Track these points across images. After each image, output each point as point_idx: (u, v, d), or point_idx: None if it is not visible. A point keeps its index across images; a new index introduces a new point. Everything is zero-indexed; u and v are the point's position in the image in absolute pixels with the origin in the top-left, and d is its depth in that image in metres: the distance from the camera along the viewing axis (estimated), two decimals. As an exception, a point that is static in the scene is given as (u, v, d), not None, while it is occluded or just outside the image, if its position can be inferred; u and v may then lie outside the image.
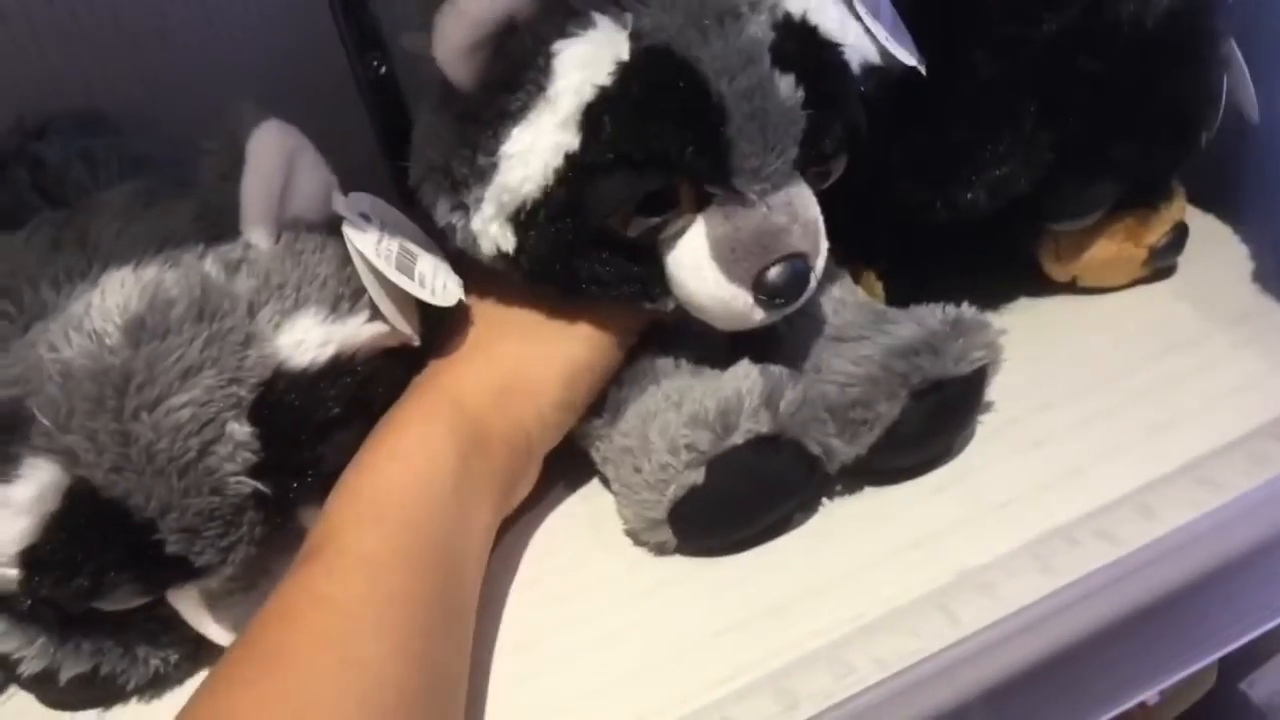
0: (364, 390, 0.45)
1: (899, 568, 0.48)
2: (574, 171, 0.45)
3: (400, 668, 0.38)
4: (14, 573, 0.40)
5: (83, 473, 0.39)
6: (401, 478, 0.44)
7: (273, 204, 0.43)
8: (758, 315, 0.47)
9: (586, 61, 0.44)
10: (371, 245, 0.45)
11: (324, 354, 0.44)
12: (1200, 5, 0.55)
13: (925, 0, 0.55)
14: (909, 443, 0.50)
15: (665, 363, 0.52)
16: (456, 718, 0.41)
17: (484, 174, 0.46)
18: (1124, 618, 0.47)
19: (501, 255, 0.48)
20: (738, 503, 0.48)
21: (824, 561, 0.48)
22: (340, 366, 0.44)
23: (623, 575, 0.50)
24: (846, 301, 0.54)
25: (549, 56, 0.44)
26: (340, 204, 0.45)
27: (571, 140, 0.44)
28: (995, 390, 0.54)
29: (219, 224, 0.43)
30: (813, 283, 0.48)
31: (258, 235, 0.43)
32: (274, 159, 0.43)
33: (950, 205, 0.56)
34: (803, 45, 0.46)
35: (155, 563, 0.41)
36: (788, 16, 0.45)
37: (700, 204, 0.46)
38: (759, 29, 0.45)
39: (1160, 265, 0.62)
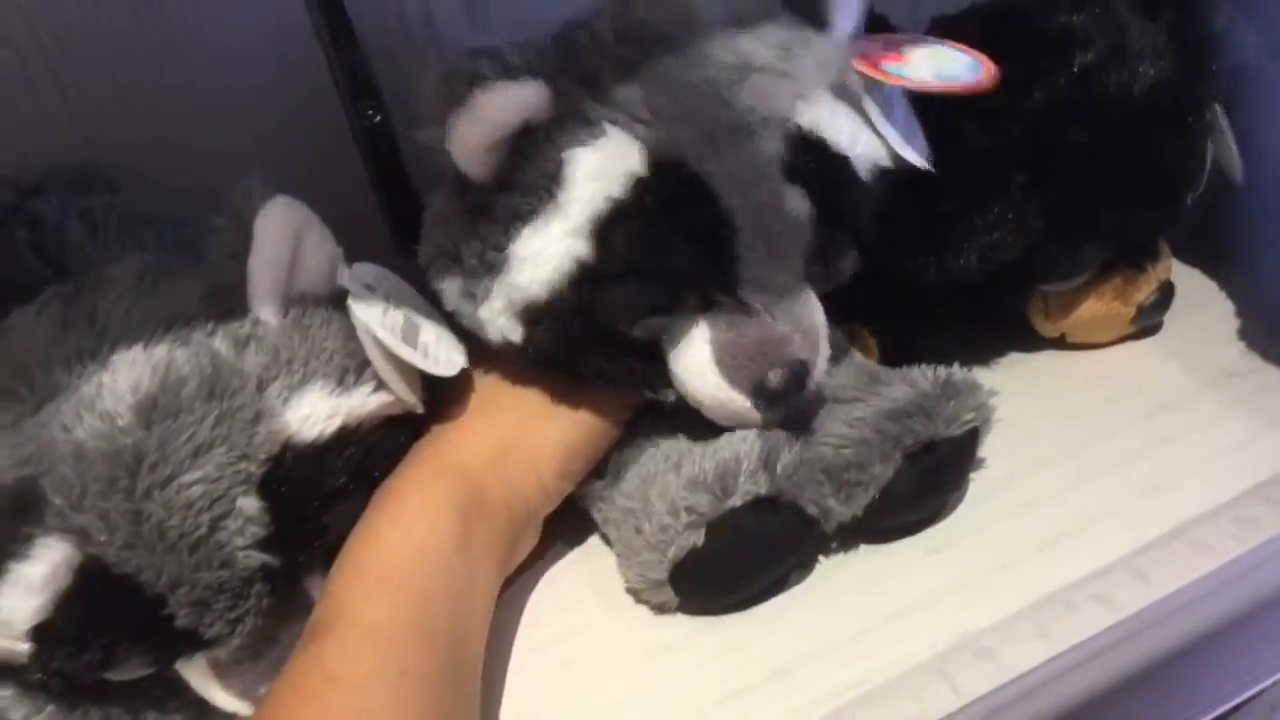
0: (368, 459, 0.46)
1: (899, 631, 0.48)
2: (584, 278, 0.45)
3: None
4: (25, 647, 0.41)
5: (94, 550, 0.40)
6: (405, 547, 0.45)
7: (280, 281, 0.44)
8: (755, 417, 0.48)
9: (599, 172, 0.44)
10: (377, 318, 0.45)
11: (331, 426, 0.44)
12: (1187, 74, 0.56)
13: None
14: (903, 503, 0.51)
15: (664, 425, 0.53)
16: None
17: (493, 268, 0.47)
18: (1122, 682, 0.48)
19: (508, 343, 0.49)
20: (737, 563, 0.49)
21: (825, 623, 0.49)
22: (346, 438, 0.45)
23: (625, 637, 0.50)
24: (840, 362, 0.55)
25: (560, 164, 0.45)
26: (345, 277, 0.46)
27: (582, 248, 0.45)
28: (988, 448, 0.55)
29: (227, 301, 0.44)
30: (811, 386, 0.49)
31: (266, 312, 0.44)
32: (281, 237, 0.44)
33: (943, 270, 0.58)
34: (813, 160, 0.46)
35: (165, 635, 0.42)
36: (799, 130, 0.46)
37: (705, 305, 0.47)
38: (770, 144, 0.45)
39: (1148, 323, 0.64)
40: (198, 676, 0.45)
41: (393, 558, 0.44)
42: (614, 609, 0.52)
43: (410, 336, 0.47)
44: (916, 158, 0.51)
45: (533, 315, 0.47)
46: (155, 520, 0.40)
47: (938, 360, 0.55)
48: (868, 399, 0.51)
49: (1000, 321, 0.65)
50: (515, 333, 0.48)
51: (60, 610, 0.40)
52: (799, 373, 0.47)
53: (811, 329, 0.48)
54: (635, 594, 0.51)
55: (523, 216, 0.46)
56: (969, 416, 0.50)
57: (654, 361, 0.49)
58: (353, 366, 0.45)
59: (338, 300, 0.46)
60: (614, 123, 0.45)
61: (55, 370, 0.41)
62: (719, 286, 0.46)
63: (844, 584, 0.51)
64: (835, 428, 0.50)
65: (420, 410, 0.48)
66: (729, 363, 0.47)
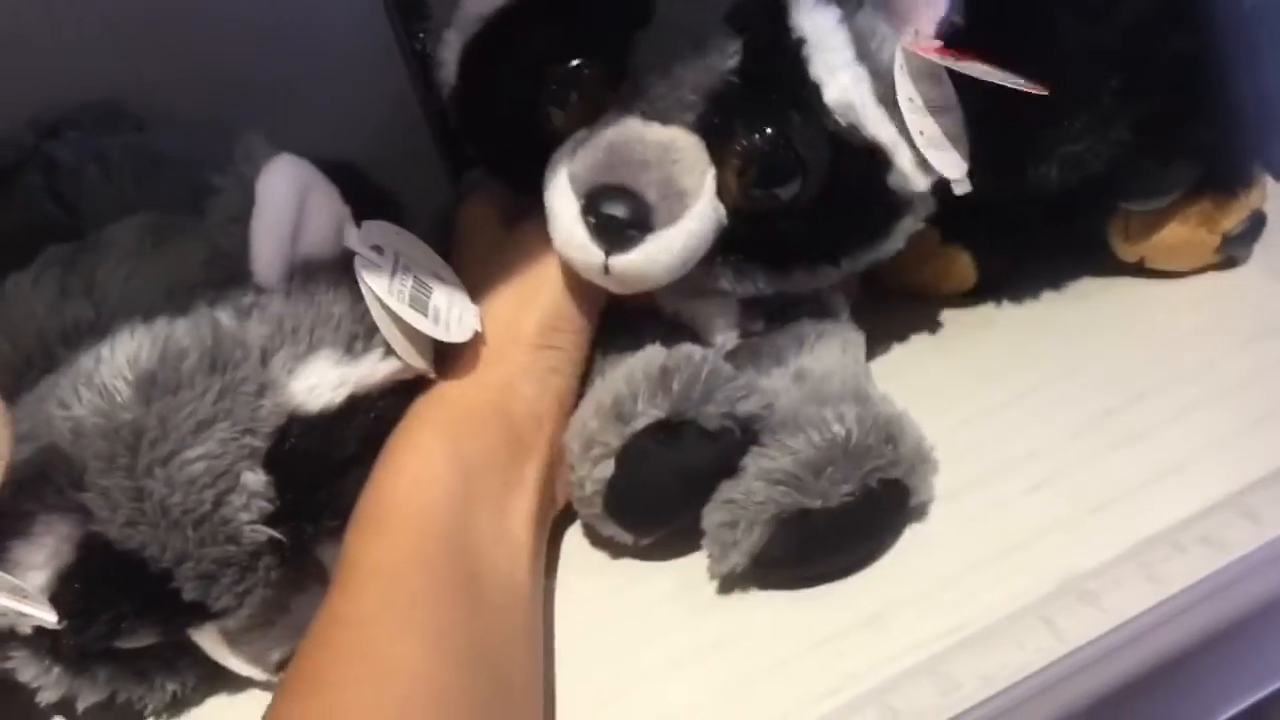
0: (379, 427, 0.45)
1: (998, 574, 0.47)
2: (513, 13, 0.47)
3: (432, 665, 0.39)
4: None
5: (97, 527, 0.39)
6: (396, 484, 0.44)
7: (285, 246, 0.42)
8: (580, 235, 0.45)
9: None
10: (384, 283, 0.44)
11: (339, 396, 0.43)
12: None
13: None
14: (779, 563, 0.47)
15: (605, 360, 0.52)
16: (521, 711, 0.42)
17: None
18: (1230, 627, 0.47)
19: (451, 94, 0.50)
20: (657, 490, 0.48)
21: (921, 566, 0.48)
22: (355, 407, 0.44)
23: (709, 584, 0.49)
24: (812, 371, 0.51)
25: None
26: (353, 239, 0.44)
27: None
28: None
29: (229, 267, 0.42)
30: (649, 248, 0.45)
31: (269, 279, 0.42)
32: (285, 199, 0.42)
33: (1022, 180, 0.54)
34: (764, 21, 0.45)
35: (172, 608, 0.41)
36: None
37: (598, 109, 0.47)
38: None
39: (1233, 253, 0.60)
40: (209, 643, 0.44)
41: (386, 497, 0.44)
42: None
43: (420, 301, 0.45)
44: (947, 164, 0.47)
45: (467, 52, 0.48)
46: (158, 497, 0.39)
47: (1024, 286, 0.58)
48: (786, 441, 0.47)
49: (1083, 245, 0.62)
50: (452, 73, 0.49)
51: (63, 586, 0.39)
52: (633, 203, 0.45)
53: (676, 191, 0.45)
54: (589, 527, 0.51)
55: None
56: (846, 489, 0.45)
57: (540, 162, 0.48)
58: (361, 332, 0.44)
59: (345, 262, 0.44)
60: None
61: (52, 342, 0.41)
62: (613, 52, 0.46)
63: (938, 525, 0.49)
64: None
65: (432, 374, 0.47)
66: (583, 159, 0.46)
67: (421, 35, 0.71)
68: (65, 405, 0.39)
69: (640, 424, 0.46)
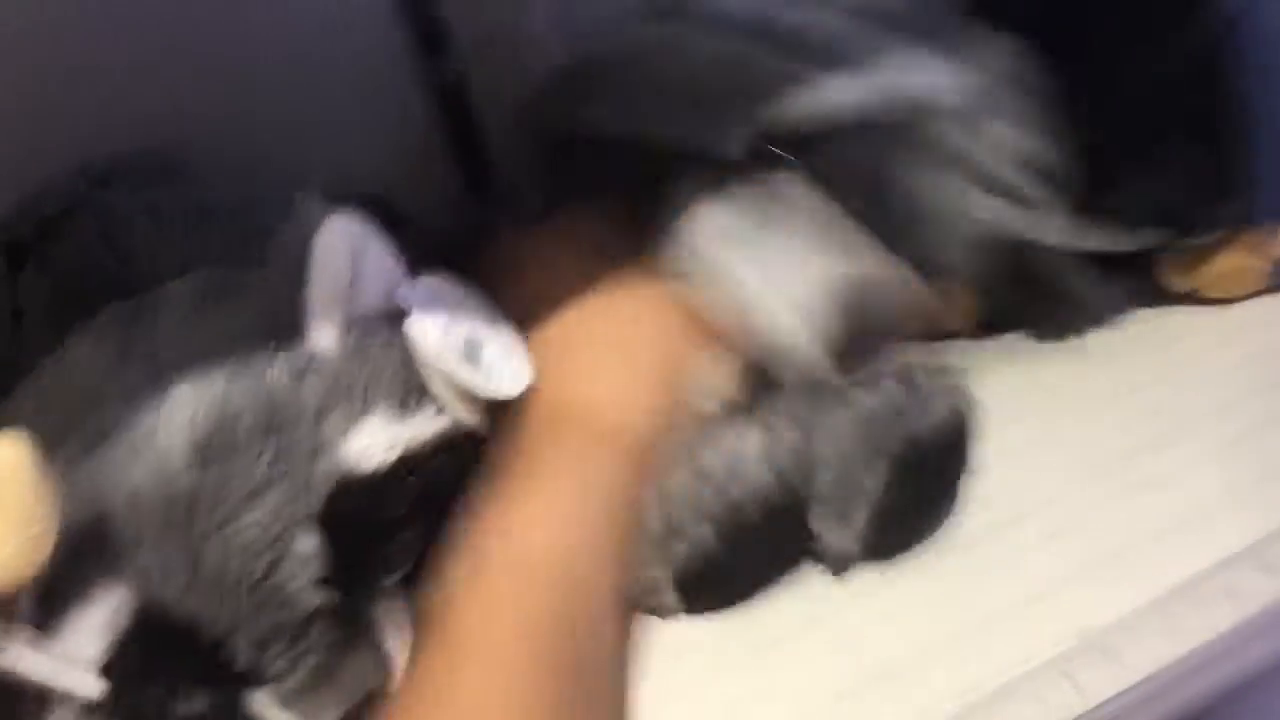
0: (430, 486, 0.44)
1: (1016, 627, 0.46)
2: None
3: None
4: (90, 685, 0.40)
5: (152, 594, 0.39)
6: (550, 553, 0.41)
7: (340, 304, 0.42)
8: (809, 355, 0.46)
9: None
10: (436, 340, 0.43)
11: (391, 456, 0.42)
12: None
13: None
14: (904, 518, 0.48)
15: None
16: None
17: None
18: (1253, 678, 0.47)
19: None
20: (749, 562, 0.48)
21: (937, 618, 0.47)
22: (408, 465, 0.43)
23: (721, 633, 0.48)
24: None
25: None
26: (405, 294, 0.44)
27: None
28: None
29: (285, 326, 0.42)
30: None
31: (325, 338, 0.42)
32: (341, 257, 0.42)
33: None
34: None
35: (225, 675, 0.41)
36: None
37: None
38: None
39: None
40: (262, 707, 0.44)
41: (545, 554, 0.41)
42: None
43: (473, 355, 0.44)
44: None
45: None
46: (213, 564, 0.39)
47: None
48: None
49: (1130, 280, 0.61)
50: None
51: (120, 654, 0.39)
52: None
53: None
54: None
55: None
56: (939, 407, 0.47)
57: None
58: (414, 389, 0.43)
59: (398, 316, 0.44)
60: None
61: (111, 405, 0.40)
62: None
63: (954, 574, 0.49)
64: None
65: (484, 431, 0.46)
66: (840, 316, 0.46)
67: (446, 68, 0.72)
68: (121, 469, 0.39)
69: (745, 498, 0.46)
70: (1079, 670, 0.44)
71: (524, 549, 0.42)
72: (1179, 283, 0.60)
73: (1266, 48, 0.53)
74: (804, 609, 0.48)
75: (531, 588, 0.40)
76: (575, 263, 0.52)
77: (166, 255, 0.53)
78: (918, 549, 0.49)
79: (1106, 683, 0.44)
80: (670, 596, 0.47)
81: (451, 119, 0.76)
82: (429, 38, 0.72)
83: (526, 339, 0.48)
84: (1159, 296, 0.61)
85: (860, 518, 0.47)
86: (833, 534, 0.47)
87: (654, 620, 0.48)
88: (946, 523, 0.50)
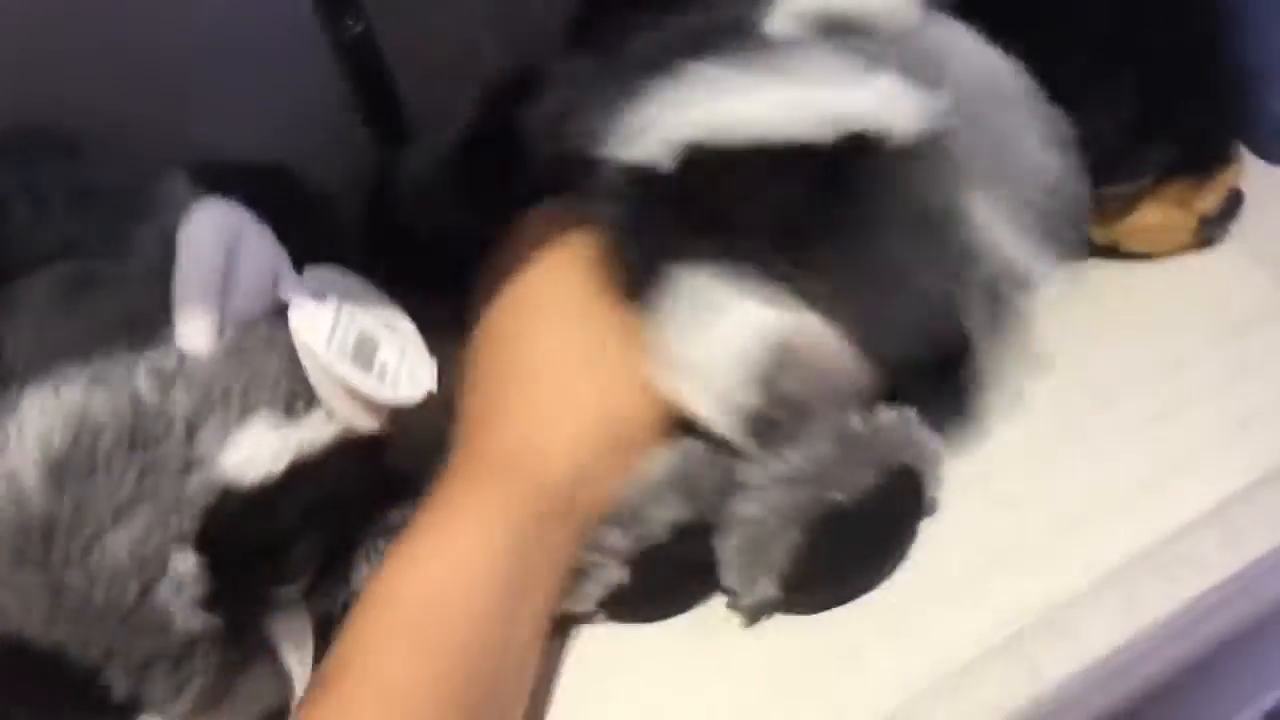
0: (326, 493, 0.41)
1: (968, 604, 0.44)
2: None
3: None
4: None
5: (10, 626, 0.36)
6: (451, 584, 0.39)
7: (212, 302, 0.38)
8: (729, 422, 0.44)
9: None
10: (322, 337, 0.40)
11: (278, 465, 0.39)
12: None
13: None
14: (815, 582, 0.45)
15: None
16: None
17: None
18: (1215, 653, 0.46)
19: (636, 170, 0.43)
20: (668, 593, 0.46)
21: (886, 591, 0.45)
22: (299, 474, 0.39)
23: (662, 645, 0.46)
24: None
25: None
26: (289, 288, 0.40)
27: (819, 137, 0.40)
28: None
29: (150, 329, 0.38)
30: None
31: (195, 340, 0.38)
32: (211, 249, 0.38)
33: None
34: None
35: (102, 707, 0.37)
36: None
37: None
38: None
39: (1210, 235, 0.57)
40: (149, 732, 0.41)
41: (433, 593, 0.39)
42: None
43: (365, 355, 0.41)
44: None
45: (705, 153, 0.41)
46: (78, 591, 0.36)
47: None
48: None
49: None
50: (666, 158, 0.42)
51: (-22, 692, 0.36)
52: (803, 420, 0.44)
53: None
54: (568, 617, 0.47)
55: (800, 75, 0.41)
56: (868, 476, 0.44)
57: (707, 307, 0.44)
58: (302, 391, 0.40)
59: (282, 312, 0.40)
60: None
61: (-43, 417, 0.36)
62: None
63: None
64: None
65: (386, 430, 0.43)
66: (775, 365, 0.42)
67: (350, 22, 0.67)
68: (-32, 494, 0.35)
69: (659, 530, 0.44)
70: (1037, 651, 0.43)
71: (424, 582, 0.39)
72: (1100, 234, 0.58)
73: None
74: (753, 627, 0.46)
75: (430, 621, 0.38)
76: (534, 276, 0.48)
77: (45, 238, 0.49)
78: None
79: (1064, 664, 0.42)
80: (602, 616, 0.47)
81: (361, 79, 0.72)
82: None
83: (474, 359, 0.45)
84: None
85: (767, 583, 0.44)
86: (741, 596, 0.45)
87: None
88: (880, 579, 0.47)
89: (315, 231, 0.61)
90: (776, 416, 0.42)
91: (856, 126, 0.40)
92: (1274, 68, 0.54)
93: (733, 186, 0.42)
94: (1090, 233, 0.57)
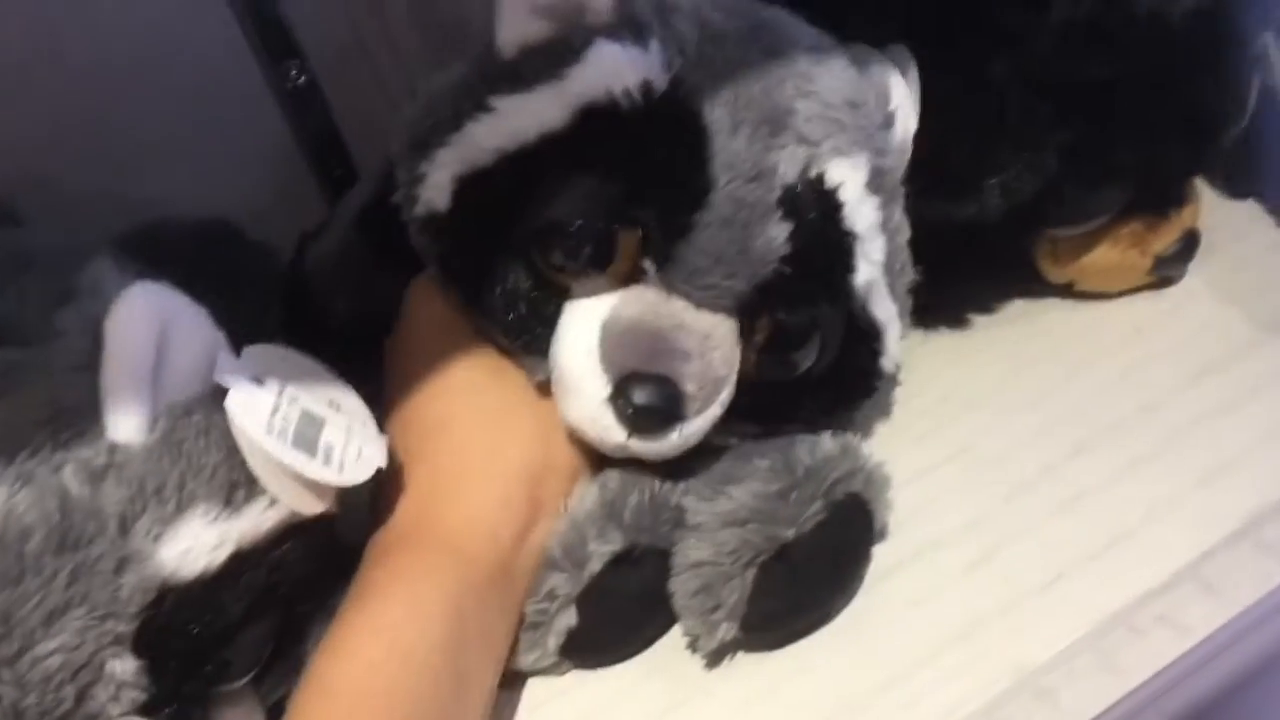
0: (273, 578, 0.39)
1: (946, 670, 0.44)
2: (537, 154, 0.42)
3: None
4: None
5: (-61, 741, 0.34)
6: (387, 664, 0.38)
7: (143, 392, 0.37)
8: (606, 418, 0.42)
9: (613, 69, 0.42)
10: (263, 421, 0.38)
11: (219, 556, 0.37)
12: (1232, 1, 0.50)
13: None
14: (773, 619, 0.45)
15: None
16: None
17: (462, 124, 0.44)
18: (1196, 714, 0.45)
19: (430, 218, 0.45)
20: (622, 623, 0.46)
21: (860, 664, 0.45)
22: (241, 564, 0.38)
23: (634, 692, 0.46)
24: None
25: (585, 46, 0.42)
26: (225, 372, 0.38)
27: (555, 123, 0.42)
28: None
29: (77, 423, 0.36)
30: (675, 437, 0.43)
31: (127, 433, 0.37)
32: (141, 339, 0.36)
33: (947, 209, 0.51)
34: (818, 217, 0.42)
35: (40, 821, 0.36)
36: (821, 180, 0.42)
37: (630, 278, 0.43)
38: (787, 164, 0.42)
39: (1165, 274, 0.58)
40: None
41: (371, 677, 0.38)
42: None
43: (307, 439, 0.39)
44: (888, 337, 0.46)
45: (470, 181, 0.43)
46: (9, 702, 0.34)
47: (948, 312, 0.55)
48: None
49: (1009, 268, 0.58)
50: (443, 198, 0.44)
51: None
52: (664, 401, 0.42)
53: (711, 379, 0.42)
54: (539, 673, 0.47)
55: (519, 79, 0.43)
56: (815, 508, 0.44)
57: (545, 321, 0.45)
58: (242, 479, 0.38)
59: (219, 397, 0.39)
60: (660, 42, 0.42)
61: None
62: (658, 241, 0.42)
63: (874, 612, 0.46)
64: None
65: (333, 510, 0.41)
66: (614, 336, 0.42)
67: (294, 72, 0.67)
68: (-113, 606, 0.33)
69: (597, 564, 0.44)
70: (1013, 716, 0.42)
71: (363, 670, 0.38)
72: (1055, 273, 0.58)
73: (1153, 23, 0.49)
74: (714, 665, 0.46)
75: (371, 709, 0.37)
76: (426, 349, 0.48)
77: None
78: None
79: None
80: (567, 667, 0.47)
81: (307, 130, 0.71)
82: (269, 42, 0.66)
83: (391, 438, 0.44)
84: (1038, 287, 0.59)
85: (727, 626, 0.44)
86: (701, 639, 0.45)
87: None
88: (836, 609, 0.47)
89: (259, 287, 0.60)
90: (641, 398, 0.41)
91: (585, 101, 0.41)
92: (1235, 104, 0.54)
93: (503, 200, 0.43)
94: (1046, 272, 0.58)
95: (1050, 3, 0.48)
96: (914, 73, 0.48)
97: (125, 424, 0.37)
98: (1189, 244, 0.56)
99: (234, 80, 0.67)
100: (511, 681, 0.46)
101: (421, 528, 0.43)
